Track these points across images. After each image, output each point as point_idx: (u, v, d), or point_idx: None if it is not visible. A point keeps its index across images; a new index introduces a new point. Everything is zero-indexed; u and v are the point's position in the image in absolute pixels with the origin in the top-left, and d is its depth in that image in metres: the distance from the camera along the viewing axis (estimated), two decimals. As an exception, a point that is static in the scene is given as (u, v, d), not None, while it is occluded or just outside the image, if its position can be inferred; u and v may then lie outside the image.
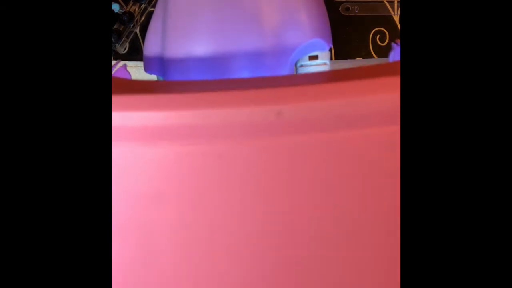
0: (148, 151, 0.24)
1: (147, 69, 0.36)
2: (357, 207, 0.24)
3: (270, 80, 0.27)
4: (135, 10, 0.43)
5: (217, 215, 0.25)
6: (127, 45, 0.44)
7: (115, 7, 0.42)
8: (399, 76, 0.22)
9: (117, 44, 0.42)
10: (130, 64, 0.44)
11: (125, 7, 0.43)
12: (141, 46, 0.44)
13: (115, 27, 0.42)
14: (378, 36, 0.42)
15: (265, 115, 0.22)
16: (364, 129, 0.23)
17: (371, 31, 0.42)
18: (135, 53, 0.44)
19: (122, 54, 0.44)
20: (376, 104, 0.22)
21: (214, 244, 0.25)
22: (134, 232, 0.25)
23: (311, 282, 0.26)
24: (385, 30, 0.42)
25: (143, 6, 0.43)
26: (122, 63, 0.39)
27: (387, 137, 0.23)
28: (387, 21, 0.42)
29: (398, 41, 0.40)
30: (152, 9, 0.43)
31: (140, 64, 0.44)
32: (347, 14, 0.43)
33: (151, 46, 0.35)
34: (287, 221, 0.25)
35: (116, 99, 0.23)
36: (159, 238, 0.25)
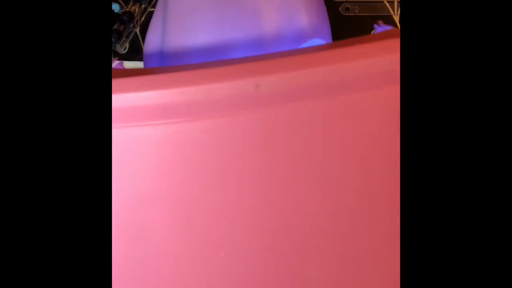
0: (134, 132, 0.25)
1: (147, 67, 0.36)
2: (354, 165, 0.25)
3: (251, 57, 0.28)
4: (135, 10, 0.43)
5: (210, 189, 0.25)
6: (127, 45, 0.44)
7: (115, 7, 0.42)
8: (374, 47, 0.24)
9: (117, 44, 0.42)
10: (130, 64, 0.44)
11: (125, 7, 0.43)
12: (141, 46, 0.44)
13: (115, 27, 0.42)
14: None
15: (244, 87, 0.23)
16: (350, 94, 0.24)
17: (371, 31, 0.42)
18: (135, 53, 0.44)
19: (122, 54, 0.44)
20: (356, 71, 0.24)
21: (207, 218, 0.26)
22: (131, 203, 0.26)
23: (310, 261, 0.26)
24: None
25: (143, 6, 0.43)
26: (117, 62, 0.39)
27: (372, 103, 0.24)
28: (387, 21, 0.42)
29: (380, 22, 0.40)
30: (152, 9, 0.43)
31: (140, 64, 0.44)
32: (347, 14, 0.43)
33: (152, 45, 0.35)
34: (284, 191, 0.25)
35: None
36: (154, 211, 0.26)
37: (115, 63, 0.38)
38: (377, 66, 0.24)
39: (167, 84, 0.24)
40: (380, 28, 0.37)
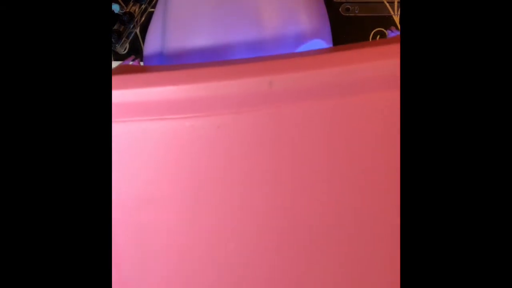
0: (151, 126, 0.25)
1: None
2: (357, 165, 0.26)
3: (264, 57, 0.29)
4: (135, 10, 0.43)
5: (218, 183, 0.26)
6: (127, 45, 0.44)
7: (115, 8, 0.42)
8: (380, 49, 0.25)
9: (117, 45, 0.42)
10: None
11: (125, 7, 0.43)
12: (141, 46, 0.44)
13: (115, 27, 0.42)
14: (378, 36, 0.42)
15: (258, 85, 0.24)
16: (356, 96, 0.25)
17: (371, 32, 0.42)
18: (135, 53, 0.44)
19: (122, 54, 0.44)
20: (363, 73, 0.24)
21: (214, 216, 0.26)
22: (135, 203, 0.26)
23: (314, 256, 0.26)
24: (385, 31, 0.42)
25: (143, 6, 0.43)
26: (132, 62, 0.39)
27: (377, 104, 0.25)
28: (387, 21, 0.42)
29: (393, 28, 0.40)
30: (152, 9, 0.43)
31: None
32: (347, 14, 0.43)
33: (152, 46, 0.35)
34: (291, 190, 0.26)
35: (123, 78, 0.25)
36: (160, 212, 0.26)
37: (130, 62, 0.38)
38: (378, 69, 0.24)
39: (185, 80, 0.24)
40: (392, 33, 0.38)
